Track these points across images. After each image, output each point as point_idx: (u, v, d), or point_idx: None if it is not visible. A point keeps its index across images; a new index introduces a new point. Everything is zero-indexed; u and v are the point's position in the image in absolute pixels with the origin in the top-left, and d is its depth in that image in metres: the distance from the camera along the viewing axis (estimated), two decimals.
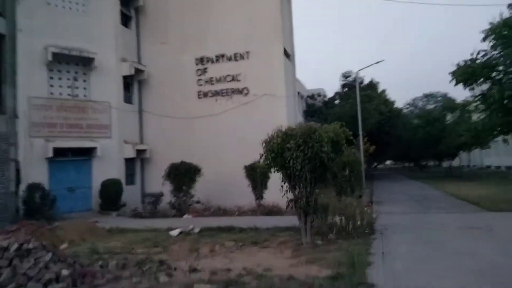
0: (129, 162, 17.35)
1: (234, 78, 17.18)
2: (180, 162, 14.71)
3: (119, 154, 16.56)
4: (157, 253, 7.61)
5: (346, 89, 39.37)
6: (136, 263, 6.58)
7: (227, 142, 16.87)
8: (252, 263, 6.06)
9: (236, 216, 12.55)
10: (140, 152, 17.58)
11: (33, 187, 13.51)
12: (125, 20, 18.24)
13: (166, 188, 15.84)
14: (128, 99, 17.89)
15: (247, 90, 16.95)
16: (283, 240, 7.80)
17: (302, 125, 7.44)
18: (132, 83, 18.20)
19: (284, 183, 7.84)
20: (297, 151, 6.86)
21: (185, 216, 13.17)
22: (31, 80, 14.51)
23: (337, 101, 40.46)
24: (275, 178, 14.39)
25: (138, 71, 17.76)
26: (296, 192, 7.44)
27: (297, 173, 7.03)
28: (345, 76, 37.40)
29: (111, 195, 15.04)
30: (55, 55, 14.79)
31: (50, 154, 14.32)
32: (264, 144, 7.65)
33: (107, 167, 15.98)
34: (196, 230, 9.56)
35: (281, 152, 7.05)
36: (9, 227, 11.71)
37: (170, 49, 18.22)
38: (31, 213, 13.32)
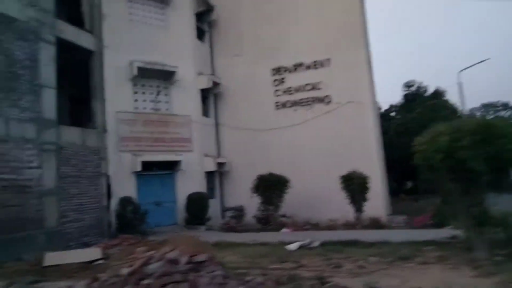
0: (209, 175, 16.99)
1: (314, 87, 16.52)
2: (268, 173, 14.10)
3: (200, 168, 16.26)
4: (293, 269, 6.86)
5: (403, 100, 37.46)
6: (288, 279, 5.85)
7: (309, 152, 16.13)
8: (437, 282, 5.14)
9: (343, 230, 11.60)
10: (219, 165, 17.20)
11: (125, 201, 13.38)
12: (199, 34, 18.24)
13: (247, 202, 15.38)
14: (204, 113, 17.70)
15: (329, 98, 16.21)
16: (439, 255, 6.80)
17: (473, 119, 6.49)
18: (208, 97, 18.04)
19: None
20: (475, 149, 5.91)
21: (284, 230, 12.43)
22: (118, 95, 14.62)
23: (393, 113, 38.58)
24: (375, 189, 13.73)
25: (215, 84, 17.58)
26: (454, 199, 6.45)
27: (472, 176, 6.07)
28: (408, 85, 35.72)
29: (197, 209, 14.66)
30: (140, 69, 14.86)
31: (139, 168, 14.21)
32: (423, 144, 6.68)
33: (189, 181, 15.71)
34: (316, 244, 8.75)
35: (452, 151, 6.12)
36: (109, 242, 11.55)
37: (245, 61, 17.96)
38: (123, 227, 13.16)
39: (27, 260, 10.03)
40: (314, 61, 16.54)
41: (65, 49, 12.84)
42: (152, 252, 4.89)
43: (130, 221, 13.15)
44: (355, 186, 12.79)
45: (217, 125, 18.20)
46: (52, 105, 12.05)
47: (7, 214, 10.23)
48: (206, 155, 16.73)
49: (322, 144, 15.90)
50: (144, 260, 4.63)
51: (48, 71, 12.03)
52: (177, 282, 4.38)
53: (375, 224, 11.91)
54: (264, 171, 14.86)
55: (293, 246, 8.69)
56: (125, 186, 14.17)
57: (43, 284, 6.23)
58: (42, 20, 11.99)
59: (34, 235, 10.76)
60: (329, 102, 16.17)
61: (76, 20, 14.16)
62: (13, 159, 10.59)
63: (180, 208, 15.32)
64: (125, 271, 4.47)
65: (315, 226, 12.86)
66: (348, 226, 12.27)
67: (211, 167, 16.69)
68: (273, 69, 17.36)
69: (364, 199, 13.00)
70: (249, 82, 17.78)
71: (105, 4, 14.71)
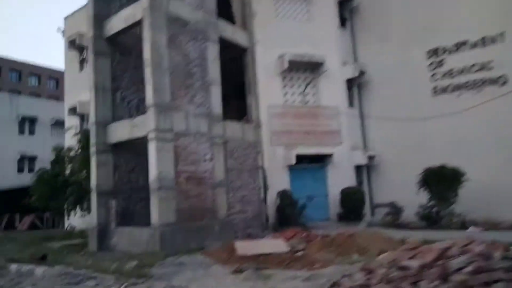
0: (356, 170, 16.14)
1: (483, 67, 14.36)
2: (439, 166, 12.63)
3: (349, 161, 15.54)
4: None
5: None
6: None
7: (478, 142, 14.07)
8: None
9: None
10: (368, 159, 16.23)
11: (284, 195, 13.36)
12: (341, 23, 17.48)
13: (399, 197, 14.25)
14: (349, 103, 16.89)
15: (505, 78, 13.89)
16: None
17: None
18: (352, 87, 17.17)
19: None
20: None
21: (471, 229, 10.94)
22: (268, 90, 14.74)
23: None
24: None
25: (360, 73, 16.64)
26: None
27: None
28: None
29: (353, 204, 13.98)
30: (290, 62, 14.75)
31: (293, 161, 14.12)
32: None
33: (339, 175, 15.16)
34: None
35: None
36: (281, 233, 11.54)
37: (392, 46, 16.59)
38: (282, 220, 13.15)
39: (211, 248, 10.55)
40: (483, 38, 14.35)
41: (222, 47, 13.34)
42: (444, 245, 4.15)
43: (289, 214, 13.07)
44: None
45: (362, 116, 17.21)
46: (218, 100, 12.57)
47: (190, 204, 10.91)
48: (354, 148, 15.92)
49: (498, 133, 13.71)
50: (439, 253, 3.97)
51: (214, 69, 12.59)
52: (497, 281, 3.58)
53: None
54: (419, 164, 13.52)
55: None
56: (279, 180, 14.23)
57: (271, 272, 6.12)
58: (207, 20, 12.59)
59: (211, 225, 11.31)
60: (504, 83, 13.86)
61: (228, 18, 14.67)
62: (193, 152, 11.27)
63: (332, 202, 14.85)
64: (413, 263, 3.89)
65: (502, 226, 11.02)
66: None
67: (361, 160, 15.82)
68: (429, 52, 15.64)
69: None
70: (398, 69, 16.36)
71: (255, 2, 14.97)
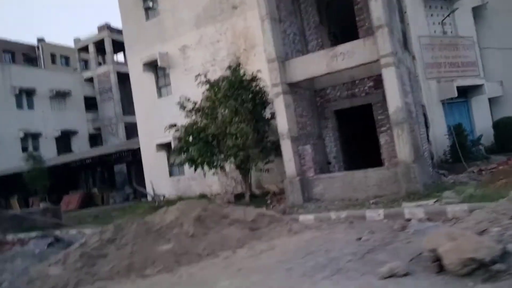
0: None
1: None
2: None
3: (487, 94, 14.80)
4: None
5: None
6: None
7: None
8: None
9: None
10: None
11: (458, 129, 12.44)
12: None
13: None
14: None
15: None
16: None
17: None
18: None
19: None
20: None
21: None
22: (415, 18, 13.42)
23: None
24: None
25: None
26: None
27: None
28: None
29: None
30: None
31: (455, 94, 13.11)
32: None
33: (481, 108, 14.56)
34: None
35: None
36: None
37: None
38: (459, 156, 12.31)
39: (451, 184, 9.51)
40: None
41: None
42: None
43: (468, 148, 12.26)
44: None
45: (479, 46, 16.34)
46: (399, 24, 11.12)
47: (413, 139, 9.69)
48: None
49: None
50: None
51: None
52: None
53: None
54: None
55: None
56: (434, 116, 13.27)
57: None
58: None
59: (423, 161, 10.23)
60: None
61: None
62: (404, 81, 9.92)
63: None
64: None
65: None
66: None
67: (497, 92, 15.17)
68: None
69: None
70: None
71: None
